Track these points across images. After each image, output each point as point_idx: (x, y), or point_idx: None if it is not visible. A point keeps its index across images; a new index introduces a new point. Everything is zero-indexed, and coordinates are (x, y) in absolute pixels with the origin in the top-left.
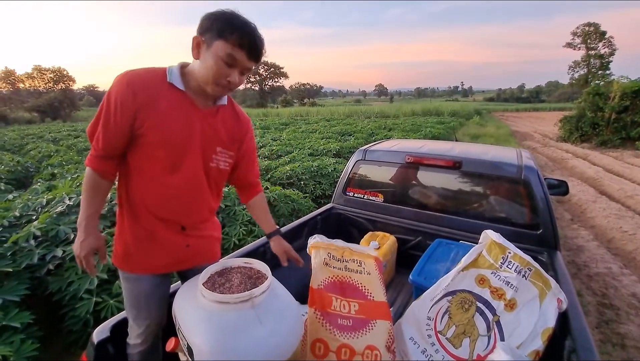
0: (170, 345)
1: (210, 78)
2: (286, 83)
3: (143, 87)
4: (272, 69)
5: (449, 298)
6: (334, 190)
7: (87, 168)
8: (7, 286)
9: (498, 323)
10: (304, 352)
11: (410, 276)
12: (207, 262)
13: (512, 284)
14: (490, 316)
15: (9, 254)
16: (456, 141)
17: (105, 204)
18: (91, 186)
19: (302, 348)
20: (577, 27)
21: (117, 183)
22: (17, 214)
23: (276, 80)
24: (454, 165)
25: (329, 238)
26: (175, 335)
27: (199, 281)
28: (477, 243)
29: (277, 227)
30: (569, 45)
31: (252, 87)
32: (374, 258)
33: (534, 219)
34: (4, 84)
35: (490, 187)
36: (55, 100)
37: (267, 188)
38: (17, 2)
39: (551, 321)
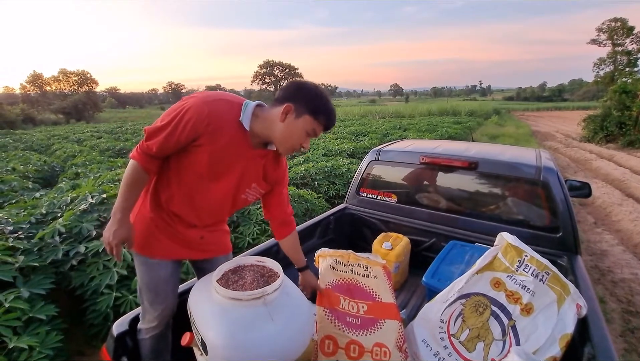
0: (185, 339)
1: (291, 144)
2: None
3: (218, 120)
4: (287, 70)
5: (463, 300)
6: (347, 190)
7: (133, 162)
8: (33, 280)
9: (514, 328)
10: (315, 350)
11: (424, 278)
12: (220, 253)
13: (528, 288)
14: (505, 320)
15: (35, 249)
16: (472, 141)
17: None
18: (134, 179)
19: (313, 347)
20: (603, 23)
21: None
22: (43, 211)
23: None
24: (470, 166)
25: (341, 238)
26: (190, 330)
27: (213, 278)
28: (492, 246)
29: (306, 262)
30: (594, 41)
31: (267, 88)
32: (381, 266)
33: (553, 222)
34: (33, 87)
35: (507, 188)
36: (79, 102)
37: None
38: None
39: (570, 327)
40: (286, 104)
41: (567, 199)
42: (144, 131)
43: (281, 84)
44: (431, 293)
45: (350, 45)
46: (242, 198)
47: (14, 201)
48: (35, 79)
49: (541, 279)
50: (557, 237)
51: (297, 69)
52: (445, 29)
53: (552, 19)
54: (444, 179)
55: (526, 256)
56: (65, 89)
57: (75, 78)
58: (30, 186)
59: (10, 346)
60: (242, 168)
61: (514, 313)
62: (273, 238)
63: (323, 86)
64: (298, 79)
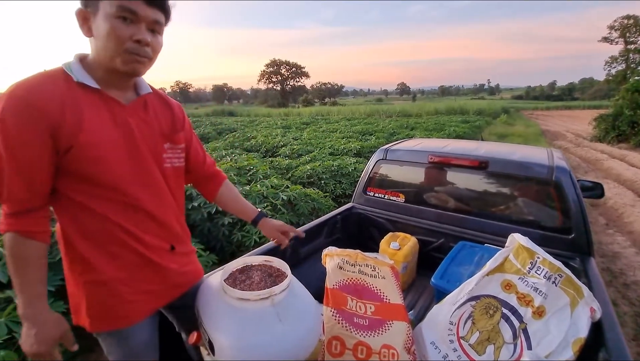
0: (192, 338)
1: (113, 46)
2: (307, 83)
3: (49, 98)
4: (293, 69)
5: (473, 303)
6: (354, 190)
7: (9, 235)
8: None
9: (525, 331)
10: (322, 351)
11: (432, 279)
12: (197, 280)
13: (540, 291)
14: (516, 323)
15: None
16: (482, 140)
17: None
18: (21, 257)
19: (320, 348)
20: (615, 20)
21: (57, 227)
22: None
23: (297, 80)
24: (480, 165)
25: (348, 237)
26: (197, 329)
27: (220, 278)
28: (503, 247)
29: (260, 210)
30: (606, 39)
31: (274, 87)
32: (389, 266)
33: (565, 223)
34: None
35: (518, 188)
36: None
37: (287, 187)
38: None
39: (583, 331)
40: (80, 9)
41: (580, 200)
42: None
43: (287, 83)
44: (440, 294)
45: (357, 45)
46: (167, 168)
47: None
48: None
49: (554, 282)
50: (570, 238)
51: (304, 67)
52: (453, 28)
53: (562, 17)
54: (453, 179)
55: (538, 257)
56: None
57: None
58: None
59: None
60: (135, 133)
61: (525, 316)
62: None
63: (329, 85)
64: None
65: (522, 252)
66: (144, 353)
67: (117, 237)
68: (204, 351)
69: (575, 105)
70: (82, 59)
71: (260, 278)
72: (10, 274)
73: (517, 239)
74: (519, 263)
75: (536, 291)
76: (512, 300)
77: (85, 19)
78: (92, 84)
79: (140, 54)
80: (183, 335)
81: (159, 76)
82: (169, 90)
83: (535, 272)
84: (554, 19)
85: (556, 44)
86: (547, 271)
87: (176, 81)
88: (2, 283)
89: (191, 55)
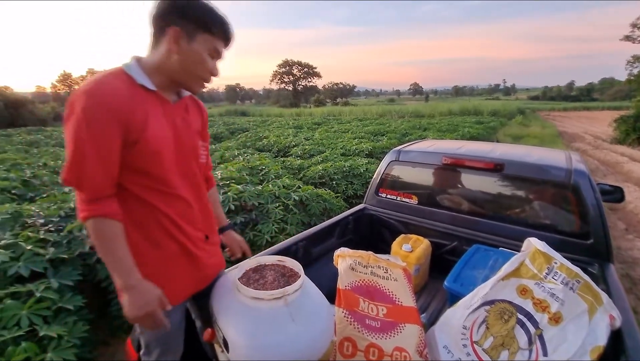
0: (207, 335)
1: (197, 75)
2: (319, 83)
3: (122, 97)
4: (305, 69)
5: (487, 307)
6: (365, 190)
7: (93, 221)
8: (63, 271)
9: (541, 337)
10: (333, 352)
11: (446, 282)
12: (221, 270)
13: (557, 297)
14: (532, 329)
15: (64, 242)
16: (497, 142)
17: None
18: (109, 237)
19: (332, 348)
20: (638, 18)
21: None
22: (72, 205)
23: (309, 80)
24: (495, 167)
25: (360, 239)
26: (211, 326)
27: (234, 276)
28: (518, 251)
29: (229, 221)
30: (628, 38)
31: (286, 87)
32: (401, 268)
33: (583, 228)
34: (63, 86)
35: (534, 191)
36: None
37: (299, 187)
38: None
39: (602, 339)
40: (174, 29)
41: (599, 204)
42: (65, 181)
43: (299, 83)
44: (453, 297)
45: (369, 45)
46: (201, 163)
47: (45, 195)
48: (65, 79)
49: (571, 288)
50: (588, 244)
51: (316, 68)
52: (467, 27)
53: (582, 14)
54: (467, 181)
55: (555, 263)
56: None
57: None
58: (60, 181)
59: (41, 334)
60: (180, 131)
61: (541, 321)
62: (291, 238)
63: (341, 85)
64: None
65: (539, 257)
66: (175, 335)
67: (162, 226)
68: (217, 349)
69: (594, 106)
70: (139, 61)
71: (274, 277)
72: (101, 256)
73: (533, 243)
74: (535, 268)
75: (553, 297)
76: (528, 306)
77: (177, 38)
78: (151, 86)
79: (209, 81)
80: (198, 325)
81: None
82: None
83: (552, 277)
84: (574, 17)
85: (575, 43)
86: (565, 277)
87: None
88: (24, 277)
89: None
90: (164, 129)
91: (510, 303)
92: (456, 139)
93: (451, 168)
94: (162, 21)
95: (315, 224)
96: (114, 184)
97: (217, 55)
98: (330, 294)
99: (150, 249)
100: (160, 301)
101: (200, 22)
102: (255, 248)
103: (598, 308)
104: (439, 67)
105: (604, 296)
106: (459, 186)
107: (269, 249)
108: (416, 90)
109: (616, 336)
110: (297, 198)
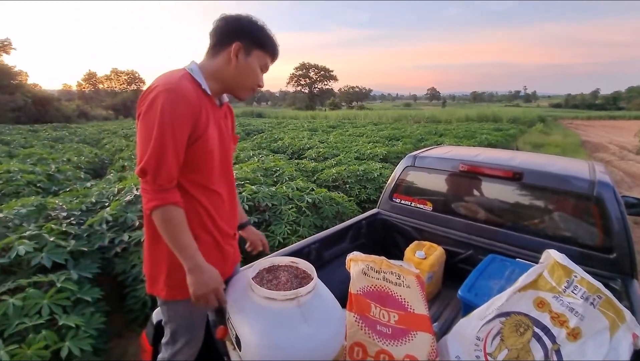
0: (220, 332)
1: (249, 85)
2: (335, 86)
3: (193, 95)
4: (322, 72)
5: (502, 319)
6: (379, 195)
7: (164, 209)
8: (82, 264)
9: (558, 353)
10: (343, 356)
11: (459, 292)
12: (237, 264)
13: (576, 312)
14: (549, 343)
15: (85, 235)
16: (517, 149)
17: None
18: (177, 223)
19: (342, 353)
20: None
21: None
22: (93, 200)
23: (325, 83)
24: (514, 176)
25: (373, 243)
26: (224, 323)
27: (248, 275)
28: (536, 263)
29: (248, 218)
30: None
31: (302, 90)
32: (414, 276)
33: (606, 241)
34: (87, 85)
35: (554, 202)
36: (128, 100)
37: (312, 190)
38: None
39: (624, 358)
40: (236, 43)
41: (624, 217)
42: (142, 171)
43: (315, 86)
44: (467, 307)
45: (387, 48)
46: (232, 163)
47: (68, 190)
48: (90, 78)
49: (592, 303)
50: (611, 258)
51: (332, 71)
52: (490, 31)
53: (611, 19)
54: (485, 189)
55: (576, 276)
56: (116, 87)
57: (125, 77)
58: (82, 176)
59: (60, 323)
60: (221, 133)
61: (558, 336)
62: (305, 240)
63: (357, 89)
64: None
65: (558, 269)
66: (198, 324)
67: (201, 220)
68: (229, 346)
69: (620, 115)
70: (199, 65)
71: (287, 278)
72: (169, 242)
73: (552, 255)
74: (554, 280)
75: (572, 312)
76: (545, 319)
77: (237, 52)
78: (209, 91)
79: (255, 92)
80: (211, 318)
81: None
82: None
83: (572, 291)
84: (603, 22)
85: (601, 48)
86: (585, 292)
87: None
88: (46, 267)
89: None
90: (214, 130)
91: (526, 315)
92: (473, 146)
93: (468, 175)
94: (227, 36)
95: (327, 227)
96: (178, 173)
97: (265, 69)
98: (341, 298)
99: None
100: (221, 280)
101: (256, 40)
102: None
103: (620, 325)
104: (458, 72)
105: (627, 313)
106: (476, 193)
107: (282, 250)
108: (433, 95)
109: (639, 357)
110: (310, 201)
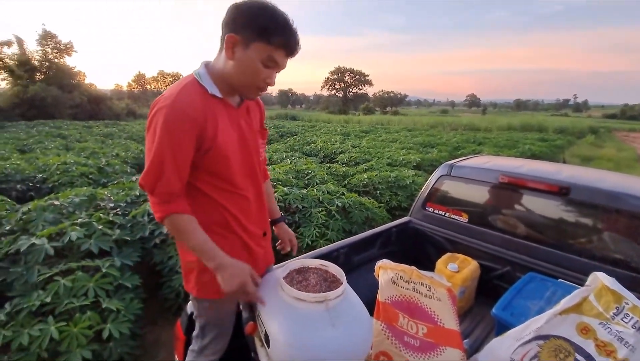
0: (249, 328)
1: (250, 82)
2: (370, 91)
3: (197, 109)
4: (357, 77)
5: (540, 342)
6: (410, 203)
7: (169, 218)
8: (125, 252)
9: None
10: None
11: (494, 310)
12: (269, 265)
13: (626, 342)
14: None
15: (128, 225)
16: (564, 162)
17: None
18: (186, 227)
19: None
20: None
21: None
22: (137, 193)
23: (360, 87)
24: (560, 191)
25: (403, 252)
26: (253, 320)
27: (279, 275)
28: (580, 285)
29: (282, 214)
30: None
31: (336, 94)
32: (446, 289)
33: None
34: (137, 85)
35: (605, 221)
36: None
37: (343, 194)
38: (156, 8)
39: None
40: (232, 36)
41: None
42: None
43: (350, 90)
44: (501, 326)
45: (423, 52)
46: (261, 161)
47: (115, 182)
48: (139, 79)
49: None
50: None
51: (367, 75)
52: (536, 35)
53: None
54: (526, 203)
55: (627, 303)
56: (161, 88)
57: (170, 79)
58: (128, 170)
59: (104, 306)
60: (245, 134)
61: None
62: (333, 243)
63: (392, 94)
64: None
65: (606, 294)
66: (227, 321)
67: (228, 223)
68: (257, 342)
69: None
70: (207, 67)
71: (316, 281)
72: (190, 246)
73: (600, 278)
74: (601, 306)
75: (621, 342)
76: (589, 347)
77: (233, 44)
78: (219, 94)
79: (264, 90)
80: (245, 316)
81: None
82: None
83: (622, 319)
84: None
85: None
86: (637, 321)
87: None
88: (93, 253)
89: None
90: (231, 134)
91: (567, 340)
92: (515, 156)
93: (509, 188)
94: (226, 28)
95: (356, 233)
96: (184, 185)
97: (273, 64)
98: (368, 305)
99: (217, 243)
100: (251, 273)
101: (258, 31)
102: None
103: None
104: (500, 78)
105: None
106: (516, 207)
107: (311, 252)
108: (473, 102)
109: None
110: (340, 205)
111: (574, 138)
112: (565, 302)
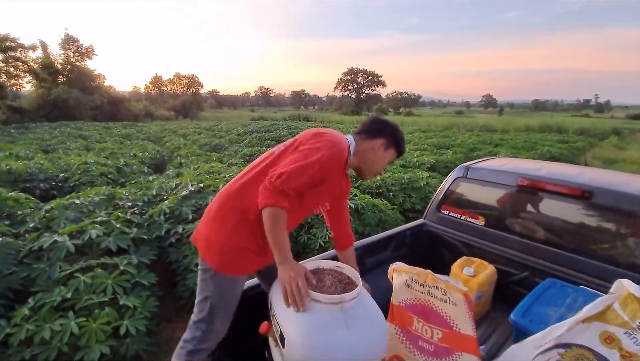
0: (263, 327)
1: (377, 171)
2: (383, 92)
3: (346, 157)
4: (370, 78)
5: (561, 350)
6: (424, 205)
7: (274, 208)
8: (142, 250)
9: None
10: None
11: (512, 316)
12: None
13: None
14: None
15: (145, 224)
16: (586, 165)
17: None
18: (282, 223)
19: None
20: None
21: (241, 193)
22: (154, 193)
23: (373, 88)
24: (582, 195)
25: (417, 255)
26: (268, 319)
27: None
28: (604, 292)
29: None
30: None
31: (349, 95)
32: (462, 293)
33: None
34: (154, 87)
35: (630, 226)
36: (187, 101)
37: (355, 195)
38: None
39: None
40: (382, 139)
41: None
42: (280, 175)
43: (363, 91)
44: (519, 333)
45: (437, 53)
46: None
47: (133, 182)
48: (156, 81)
49: None
50: None
51: (381, 76)
52: (555, 35)
53: None
54: (546, 207)
55: None
56: (177, 90)
57: (186, 81)
58: (145, 170)
59: (121, 302)
60: (334, 189)
61: None
62: None
63: (405, 95)
64: (381, 114)
65: (633, 302)
66: (236, 298)
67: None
68: (271, 342)
69: None
70: (354, 143)
71: (331, 282)
72: (270, 236)
73: (626, 286)
74: (626, 314)
75: None
76: (614, 357)
77: (381, 146)
78: (349, 163)
79: (380, 175)
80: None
81: (246, 82)
82: (252, 94)
83: None
84: None
85: None
86: None
87: (260, 86)
88: (111, 250)
89: (276, 64)
90: (335, 190)
91: (590, 350)
92: (533, 158)
93: (527, 191)
94: (379, 131)
95: (369, 234)
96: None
97: (390, 163)
98: (381, 307)
99: (252, 237)
100: (305, 275)
101: (395, 142)
102: (309, 250)
103: None
104: (517, 78)
105: None
106: (535, 211)
107: (325, 253)
108: (489, 102)
109: None
110: (352, 206)
111: (595, 140)
112: (588, 310)
